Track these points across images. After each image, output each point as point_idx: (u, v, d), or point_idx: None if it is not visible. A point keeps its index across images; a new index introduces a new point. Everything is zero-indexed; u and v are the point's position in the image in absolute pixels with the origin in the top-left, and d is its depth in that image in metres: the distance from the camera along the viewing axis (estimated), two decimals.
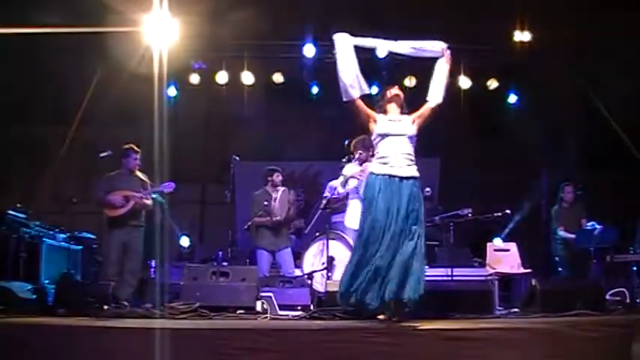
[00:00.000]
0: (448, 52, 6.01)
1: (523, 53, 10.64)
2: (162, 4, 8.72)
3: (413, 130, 5.84)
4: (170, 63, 9.92)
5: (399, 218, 5.59)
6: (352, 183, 8.27)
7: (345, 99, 5.84)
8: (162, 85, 9.58)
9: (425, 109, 5.95)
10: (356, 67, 5.83)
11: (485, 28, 10.17)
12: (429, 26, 9.96)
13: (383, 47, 6.16)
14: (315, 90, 12.04)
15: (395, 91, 6.02)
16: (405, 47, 6.03)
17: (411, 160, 5.77)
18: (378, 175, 5.75)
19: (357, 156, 8.23)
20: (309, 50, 11.32)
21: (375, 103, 6.06)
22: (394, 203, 5.62)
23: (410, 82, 11.18)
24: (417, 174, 5.76)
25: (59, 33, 8.82)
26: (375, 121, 5.89)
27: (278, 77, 11.73)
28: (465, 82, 11.38)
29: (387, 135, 5.81)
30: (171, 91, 11.74)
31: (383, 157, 5.79)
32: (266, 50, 11.53)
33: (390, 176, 5.70)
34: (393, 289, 5.44)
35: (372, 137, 5.94)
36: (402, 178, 5.69)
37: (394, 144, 5.77)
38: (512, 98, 11.93)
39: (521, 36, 10.56)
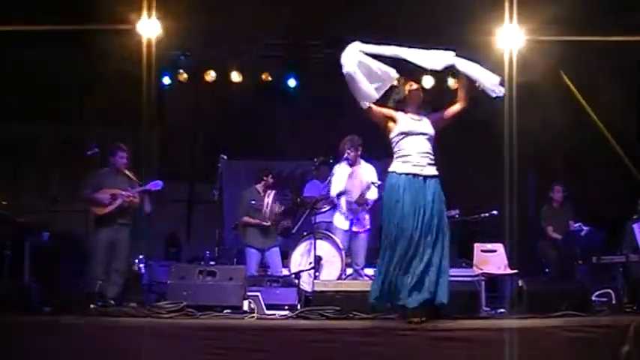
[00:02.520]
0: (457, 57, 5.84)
1: (510, 54, 10.66)
2: (151, 1, 8.70)
3: (432, 130, 5.75)
4: (159, 61, 9.92)
5: (425, 218, 5.50)
6: (342, 201, 8.26)
7: (364, 105, 5.69)
8: (150, 83, 9.56)
9: (449, 112, 5.88)
10: (362, 75, 5.64)
11: (472, 27, 10.18)
12: (417, 25, 10.06)
13: (400, 55, 5.85)
14: (302, 89, 12.03)
15: (415, 89, 5.86)
16: (416, 56, 5.83)
17: (432, 160, 5.70)
18: (400, 174, 5.64)
19: (345, 156, 8.23)
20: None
21: (391, 98, 5.90)
22: (420, 202, 5.53)
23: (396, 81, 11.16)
24: (437, 173, 5.70)
25: (49, 30, 8.79)
26: (394, 120, 5.76)
27: (267, 76, 11.72)
28: (452, 82, 11.39)
29: (409, 133, 5.69)
30: (166, 80, 11.69)
31: (405, 156, 5.67)
32: (255, 49, 11.52)
33: (414, 175, 5.61)
34: (429, 292, 5.41)
35: (392, 135, 5.75)
36: (425, 177, 5.62)
37: (415, 143, 5.67)
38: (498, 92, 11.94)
39: (509, 36, 10.58)
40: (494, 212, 9.45)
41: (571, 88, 10.74)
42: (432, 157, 5.71)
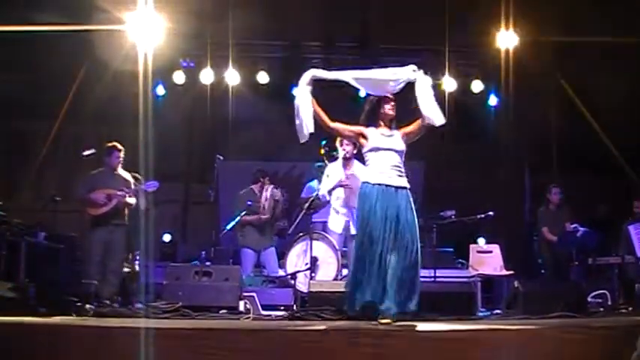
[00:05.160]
0: (420, 72, 5.83)
1: (507, 55, 10.68)
2: (147, 2, 8.69)
3: (402, 145, 5.87)
4: (155, 61, 9.93)
5: (396, 226, 5.64)
6: (340, 192, 8.22)
7: (300, 140, 5.89)
8: (146, 83, 9.55)
9: (415, 126, 5.91)
10: (310, 107, 5.81)
11: (469, 29, 10.20)
12: (413, 28, 10.08)
13: (348, 78, 5.88)
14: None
15: (390, 109, 5.92)
16: (367, 81, 5.90)
17: (402, 172, 5.83)
18: (374, 184, 5.78)
19: (341, 149, 8.14)
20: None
21: (366, 112, 6.01)
22: (391, 212, 5.67)
23: None
24: (408, 185, 5.82)
25: (45, 31, 8.77)
26: (365, 136, 5.90)
27: (263, 77, 11.71)
28: (449, 85, 11.41)
29: (379, 149, 5.84)
30: (160, 90, 11.71)
31: (377, 168, 5.83)
32: (251, 49, 11.52)
33: (387, 185, 5.75)
34: (399, 299, 5.52)
35: (364, 150, 5.94)
36: (397, 188, 5.75)
37: (386, 157, 5.81)
38: (495, 100, 11.99)
39: (506, 38, 10.60)
40: (490, 213, 9.45)
41: (567, 89, 10.76)
42: (402, 169, 5.84)
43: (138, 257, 9.06)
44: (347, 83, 5.92)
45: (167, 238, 11.35)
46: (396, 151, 5.84)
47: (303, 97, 5.86)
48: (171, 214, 12.07)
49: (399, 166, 5.83)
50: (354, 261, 5.81)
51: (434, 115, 5.78)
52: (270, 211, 8.90)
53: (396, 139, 5.88)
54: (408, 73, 5.81)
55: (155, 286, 8.10)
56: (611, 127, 10.42)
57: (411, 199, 5.79)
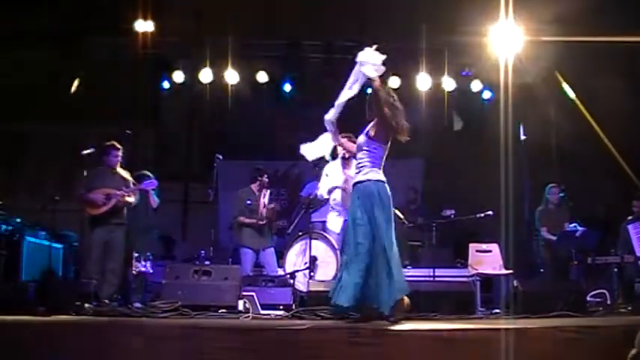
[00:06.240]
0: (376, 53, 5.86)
1: (506, 55, 10.68)
2: (147, 1, 8.71)
3: (362, 138, 5.91)
4: (155, 61, 9.97)
5: (351, 225, 5.74)
6: (337, 194, 8.22)
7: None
8: (146, 83, 9.59)
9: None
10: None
11: (469, 29, 10.19)
12: (412, 26, 10.09)
13: (344, 99, 5.87)
14: (298, 89, 12.03)
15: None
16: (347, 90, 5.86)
17: (361, 167, 5.86)
18: None
19: (340, 148, 8.12)
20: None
21: None
22: (350, 210, 5.85)
23: (394, 82, 11.18)
24: (365, 177, 5.79)
25: (45, 30, 8.78)
26: None
27: (262, 76, 11.72)
28: (448, 84, 11.42)
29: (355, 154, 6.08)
30: (166, 84, 11.73)
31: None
32: (250, 49, 11.53)
33: (351, 190, 5.93)
34: (368, 293, 5.58)
35: None
36: (353, 186, 5.88)
37: (357, 159, 5.98)
38: (489, 94, 11.99)
39: (505, 37, 10.60)
40: (490, 213, 9.44)
41: (566, 90, 10.76)
42: (360, 164, 5.87)
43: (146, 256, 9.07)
44: (352, 98, 5.90)
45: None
46: (360, 148, 5.91)
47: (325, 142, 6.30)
48: (171, 214, 12.06)
49: (359, 162, 5.88)
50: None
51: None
52: (267, 217, 8.89)
53: (361, 136, 5.96)
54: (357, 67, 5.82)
55: (154, 286, 8.11)
56: (610, 127, 10.41)
57: (370, 189, 5.72)
